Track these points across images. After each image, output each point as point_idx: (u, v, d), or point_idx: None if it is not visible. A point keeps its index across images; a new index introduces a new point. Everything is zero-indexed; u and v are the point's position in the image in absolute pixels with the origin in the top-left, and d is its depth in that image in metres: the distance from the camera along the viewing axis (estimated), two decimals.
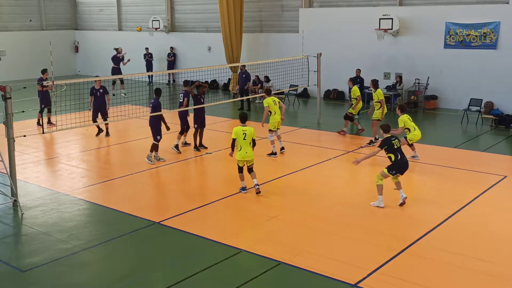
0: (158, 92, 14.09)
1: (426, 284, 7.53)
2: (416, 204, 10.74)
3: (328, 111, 20.61)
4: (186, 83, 15.30)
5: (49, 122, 17.85)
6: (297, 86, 21.07)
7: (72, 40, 34.73)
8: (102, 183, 12.35)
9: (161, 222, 9.82)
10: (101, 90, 16.29)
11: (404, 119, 13.30)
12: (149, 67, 29.52)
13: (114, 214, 10.46)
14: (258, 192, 11.11)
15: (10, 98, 10.35)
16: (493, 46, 19.44)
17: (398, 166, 10.49)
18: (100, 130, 16.52)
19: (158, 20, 29.21)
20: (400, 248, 8.64)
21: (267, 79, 23.18)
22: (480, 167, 13.20)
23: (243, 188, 11.32)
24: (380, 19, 21.26)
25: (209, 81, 27.51)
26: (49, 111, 17.75)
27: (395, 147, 10.46)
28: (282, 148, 14.62)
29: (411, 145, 13.67)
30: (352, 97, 16.71)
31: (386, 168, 10.55)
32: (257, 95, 22.14)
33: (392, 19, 21.08)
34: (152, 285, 7.76)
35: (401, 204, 10.53)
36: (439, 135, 17.06)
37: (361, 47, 22.43)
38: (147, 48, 29.52)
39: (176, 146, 14.73)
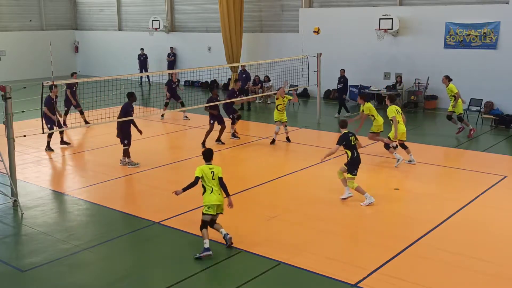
0: (130, 95, 13.43)
1: (426, 284, 7.53)
2: (416, 204, 10.74)
3: (328, 111, 20.59)
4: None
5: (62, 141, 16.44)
6: (297, 86, 21.07)
7: (72, 40, 34.74)
8: (102, 183, 12.35)
9: (161, 222, 9.83)
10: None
11: (393, 110, 13.10)
12: (143, 67, 29.39)
13: (114, 214, 10.46)
14: (231, 244, 8.68)
15: (10, 98, 10.35)
16: (493, 46, 19.44)
17: (355, 163, 10.65)
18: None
19: (158, 20, 29.20)
20: (400, 248, 8.64)
21: (268, 79, 23.18)
22: (480, 167, 13.20)
23: (207, 249, 8.35)
24: (380, 19, 21.27)
25: (209, 81, 27.56)
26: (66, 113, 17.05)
27: (352, 143, 10.61)
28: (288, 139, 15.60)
29: (405, 148, 13.37)
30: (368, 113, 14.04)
31: (347, 172, 10.62)
32: (257, 95, 22.15)
33: (392, 19, 21.08)
34: (152, 285, 7.75)
35: (344, 199, 10.77)
36: (439, 135, 17.06)
37: (361, 47, 22.43)
38: (142, 49, 29.48)
39: (233, 134, 16.03)
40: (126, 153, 13.37)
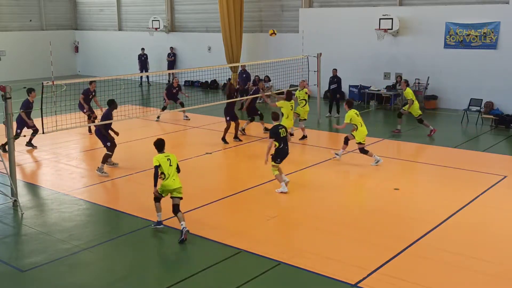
0: (111, 103, 13.15)
1: (426, 284, 7.53)
2: (416, 204, 10.74)
3: (328, 111, 20.57)
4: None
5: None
6: (297, 86, 21.04)
7: (72, 40, 34.73)
8: (102, 183, 12.35)
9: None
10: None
11: (351, 115, 13.24)
12: (144, 67, 29.37)
13: (114, 214, 10.46)
14: (184, 240, 8.92)
15: (10, 98, 10.35)
16: (493, 46, 19.44)
17: (281, 154, 11.25)
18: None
19: (158, 20, 29.20)
20: (400, 248, 8.64)
21: (268, 79, 23.16)
22: (480, 167, 13.20)
23: (159, 223, 9.42)
24: (380, 19, 21.26)
25: (209, 81, 27.56)
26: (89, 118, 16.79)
27: (281, 135, 11.23)
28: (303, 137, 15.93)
29: (366, 152, 13.29)
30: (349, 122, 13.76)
31: (272, 159, 11.22)
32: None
33: (392, 19, 21.08)
34: (152, 285, 7.75)
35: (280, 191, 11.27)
36: (439, 135, 17.05)
37: (361, 47, 22.43)
38: (143, 49, 29.46)
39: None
40: (106, 158, 12.95)
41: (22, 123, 14.46)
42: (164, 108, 18.91)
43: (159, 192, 9.24)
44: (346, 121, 13.31)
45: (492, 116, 18.26)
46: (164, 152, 9.37)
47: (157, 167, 9.12)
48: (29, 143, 15.23)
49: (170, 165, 9.18)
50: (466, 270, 8.01)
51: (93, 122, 16.22)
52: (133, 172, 12.96)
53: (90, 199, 11.20)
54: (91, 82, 16.74)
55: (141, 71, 29.04)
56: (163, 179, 9.16)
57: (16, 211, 10.46)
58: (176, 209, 9.15)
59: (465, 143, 15.85)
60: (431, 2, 21.06)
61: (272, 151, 11.30)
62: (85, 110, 16.71)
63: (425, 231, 9.29)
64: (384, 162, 13.62)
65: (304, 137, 16.01)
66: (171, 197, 9.20)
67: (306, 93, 16.45)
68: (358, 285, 7.52)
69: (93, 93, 16.85)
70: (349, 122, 13.27)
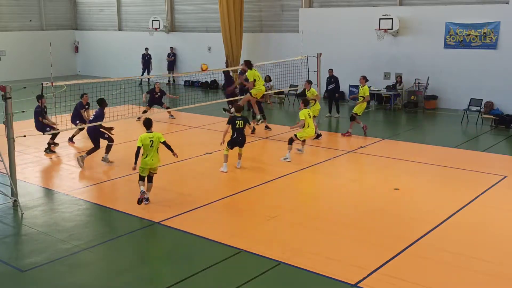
0: (101, 102, 13.60)
1: (426, 284, 7.53)
2: (416, 204, 10.74)
3: (328, 111, 20.57)
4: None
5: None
6: (297, 86, 21.05)
7: (72, 40, 34.73)
8: (102, 183, 12.35)
9: (161, 222, 9.82)
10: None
11: (305, 113, 13.60)
12: (147, 67, 29.39)
13: (114, 214, 10.46)
14: (144, 201, 10.55)
15: (10, 98, 10.34)
16: (493, 46, 19.44)
17: (234, 142, 12.73)
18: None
19: (158, 20, 29.20)
20: (400, 248, 8.64)
21: (269, 79, 23.12)
22: (480, 167, 13.20)
23: (143, 192, 10.68)
24: (380, 19, 21.27)
25: (209, 81, 27.55)
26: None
27: (237, 126, 12.56)
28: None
29: (302, 141, 14.10)
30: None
31: (227, 142, 12.74)
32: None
33: (392, 19, 21.08)
34: (152, 285, 7.75)
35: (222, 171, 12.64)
36: (439, 135, 17.06)
37: (361, 47, 22.43)
38: (146, 48, 29.47)
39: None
40: (109, 149, 13.72)
41: (45, 126, 14.34)
42: (145, 112, 18.49)
43: (140, 169, 10.58)
44: (301, 118, 13.71)
45: (492, 116, 18.26)
46: (150, 132, 10.57)
47: (139, 148, 10.46)
48: (48, 150, 14.97)
49: (151, 146, 10.50)
50: (466, 270, 8.01)
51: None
52: (133, 172, 12.94)
53: (90, 199, 11.19)
54: (82, 95, 15.82)
55: (144, 71, 29.07)
56: (144, 157, 10.53)
57: (16, 211, 10.46)
58: (150, 180, 10.79)
59: (465, 143, 15.84)
60: (431, 2, 21.06)
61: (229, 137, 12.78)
62: (77, 122, 15.57)
63: (425, 231, 9.29)
64: (384, 162, 13.62)
65: (318, 136, 15.88)
66: (150, 173, 10.72)
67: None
68: (358, 285, 7.52)
69: (87, 106, 15.79)
70: (304, 120, 13.62)
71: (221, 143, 12.85)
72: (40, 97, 14.43)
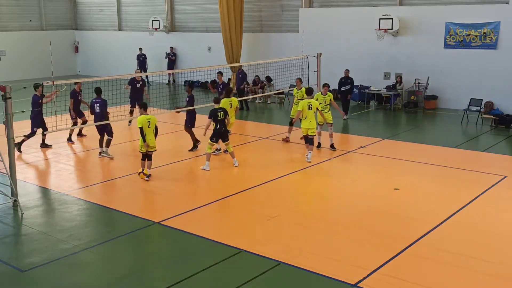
0: (99, 91, 14.62)
1: (426, 284, 7.53)
2: (416, 204, 10.74)
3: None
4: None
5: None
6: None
7: (72, 40, 34.73)
8: (102, 183, 12.35)
9: (161, 222, 9.82)
10: (140, 83, 17.65)
11: (303, 104, 13.31)
12: (142, 67, 29.29)
13: (114, 214, 10.46)
14: (144, 176, 12.23)
15: (10, 98, 10.35)
16: (493, 46, 19.44)
17: (216, 134, 12.92)
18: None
19: (158, 20, 29.19)
20: (400, 248, 8.64)
21: (269, 79, 23.14)
22: (480, 167, 13.20)
23: (143, 172, 12.33)
24: (380, 19, 21.26)
25: (209, 81, 27.52)
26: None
27: (219, 118, 12.83)
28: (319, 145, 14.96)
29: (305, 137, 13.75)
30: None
31: (209, 138, 12.97)
32: (257, 95, 22.17)
33: (392, 19, 21.07)
34: (152, 285, 7.75)
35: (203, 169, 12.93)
36: (439, 135, 17.07)
37: (361, 47, 22.43)
38: (140, 49, 29.39)
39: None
40: (109, 143, 14.39)
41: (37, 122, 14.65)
42: (131, 112, 18.14)
43: (139, 149, 12.15)
44: (299, 109, 13.54)
45: (492, 116, 18.26)
46: (147, 114, 12.10)
47: (141, 128, 11.89)
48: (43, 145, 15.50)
49: (149, 127, 12.00)
50: (466, 270, 8.01)
51: (80, 125, 16.22)
52: (133, 172, 12.95)
53: (90, 199, 11.19)
54: (76, 83, 15.88)
55: (140, 71, 28.92)
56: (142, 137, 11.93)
57: (16, 211, 10.46)
58: (149, 158, 12.28)
59: (465, 143, 15.84)
60: (431, 2, 21.06)
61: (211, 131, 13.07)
62: (73, 117, 15.83)
63: (425, 231, 9.29)
64: (384, 162, 13.62)
65: (332, 146, 14.73)
66: (147, 152, 12.17)
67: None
68: (358, 285, 7.52)
69: (80, 93, 15.90)
70: (301, 110, 13.39)
71: (204, 134, 13.24)
72: (37, 86, 14.50)
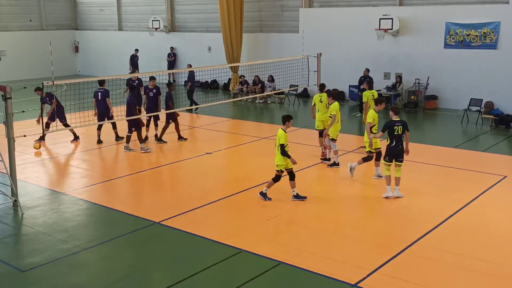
0: (103, 82, 15.56)
1: (426, 284, 7.53)
2: (416, 204, 10.74)
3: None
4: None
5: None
6: (297, 86, 21.07)
7: (72, 40, 34.74)
8: (102, 183, 12.35)
9: (161, 222, 9.82)
10: (154, 91, 15.66)
11: (336, 107, 12.85)
12: (136, 67, 29.16)
13: (114, 214, 10.46)
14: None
15: (10, 98, 10.35)
16: (493, 46, 19.44)
17: (390, 153, 10.82)
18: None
19: (158, 20, 29.19)
20: (400, 248, 8.64)
21: (271, 79, 23.09)
22: (480, 167, 13.20)
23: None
24: (380, 19, 21.26)
25: (209, 81, 27.54)
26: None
27: (395, 133, 10.69)
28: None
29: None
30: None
31: (383, 158, 11.21)
32: (257, 95, 22.16)
33: (392, 19, 21.08)
34: (152, 285, 7.75)
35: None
36: (439, 135, 17.06)
37: (361, 47, 22.42)
38: (136, 50, 29.25)
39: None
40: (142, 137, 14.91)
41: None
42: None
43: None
44: (332, 113, 12.88)
45: (492, 116, 18.26)
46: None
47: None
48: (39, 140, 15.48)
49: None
50: (466, 270, 8.01)
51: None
52: (133, 172, 12.96)
53: (90, 199, 11.19)
54: (103, 81, 15.68)
55: (133, 72, 28.82)
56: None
57: (16, 211, 10.46)
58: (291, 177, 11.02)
59: (465, 143, 15.84)
60: (431, 2, 21.06)
61: None
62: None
63: (425, 231, 9.29)
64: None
65: (325, 159, 13.77)
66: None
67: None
68: (358, 285, 7.52)
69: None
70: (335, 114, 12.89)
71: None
72: (38, 89, 14.67)
